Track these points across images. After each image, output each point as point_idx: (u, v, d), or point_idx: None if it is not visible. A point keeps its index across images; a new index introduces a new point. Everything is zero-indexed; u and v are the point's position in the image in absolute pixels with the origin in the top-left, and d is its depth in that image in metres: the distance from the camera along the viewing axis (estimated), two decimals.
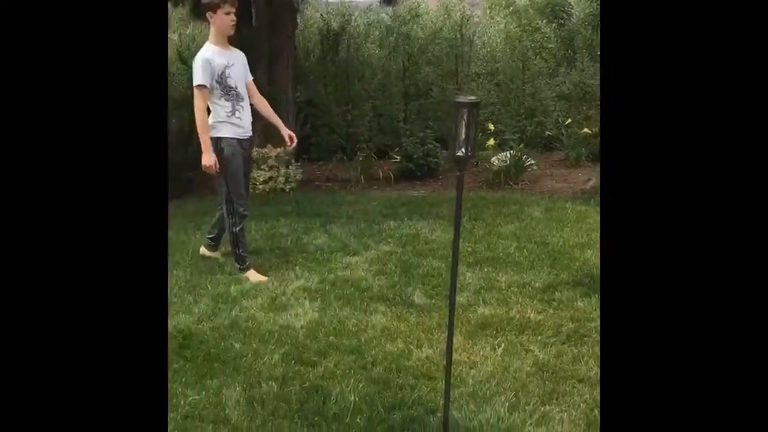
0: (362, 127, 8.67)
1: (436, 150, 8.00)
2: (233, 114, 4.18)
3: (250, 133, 4.37)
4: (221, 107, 4.16)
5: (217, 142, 4.15)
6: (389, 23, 11.93)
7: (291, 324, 3.59)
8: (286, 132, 4.51)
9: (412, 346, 3.29)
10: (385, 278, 4.28)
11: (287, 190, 7.22)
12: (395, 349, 3.26)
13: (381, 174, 7.84)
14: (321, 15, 11.10)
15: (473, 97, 2.35)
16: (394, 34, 11.09)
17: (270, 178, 7.26)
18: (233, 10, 4.16)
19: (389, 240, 5.20)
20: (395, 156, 8.16)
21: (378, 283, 4.18)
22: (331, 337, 3.41)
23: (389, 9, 11.69)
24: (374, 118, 9.04)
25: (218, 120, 4.17)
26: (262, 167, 7.29)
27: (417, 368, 3.07)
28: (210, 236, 4.79)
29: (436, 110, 9.39)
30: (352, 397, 2.81)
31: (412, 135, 8.26)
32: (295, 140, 4.56)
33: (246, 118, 4.29)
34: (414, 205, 6.40)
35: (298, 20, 9.40)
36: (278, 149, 7.49)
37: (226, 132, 4.17)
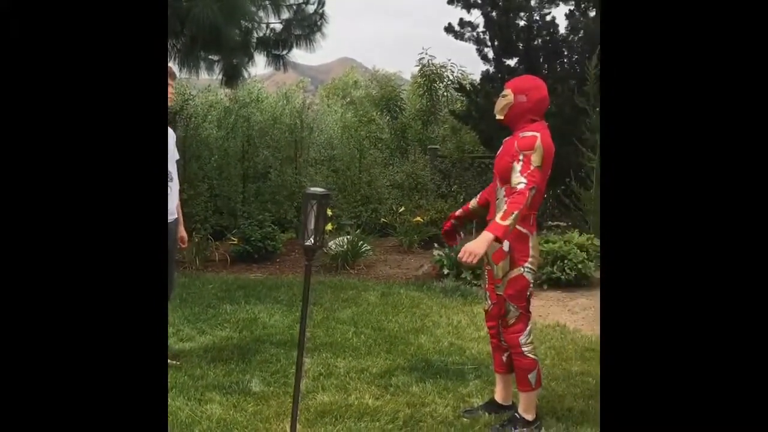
0: (198, 207, 8.51)
1: (275, 233, 8.01)
2: None
3: (175, 215, 4.09)
4: None
5: None
6: (228, 105, 11.99)
7: None
8: (181, 233, 4.26)
9: None
10: (222, 365, 4.15)
11: None
12: None
13: (217, 256, 7.68)
14: None
15: (323, 189, 2.43)
16: (234, 116, 11.14)
17: None
18: (172, 82, 3.98)
19: (225, 325, 5.07)
20: (232, 238, 8.05)
21: (214, 371, 4.04)
22: None
23: (228, 90, 11.77)
24: (211, 198, 8.93)
25: None
26: None
27: None
28: None
29: (275, 193, 9.45)
30: None
31: (250, 217, 8.23)
32: (186, 243, 4.35)
33: (172, 198, 4.02)
34: (251, 289, 6.31)
35: None
36: None
37: None
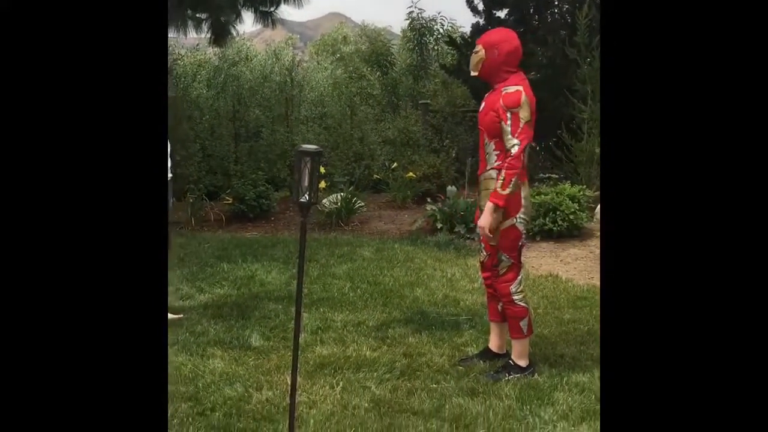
0: (191, 167, 8.52)
1: (268, 191, 8.05)
2: None
3: (171, 174, 4.25)
4: None
5: None
6: (217, 64, 11.88)
7: None
8: None
9: (251, 389, 3.28)
10: (222, 322, 4.23)
11: None
12: (234, 393, 3.24)
13: (212, 216, 7.73)
14: None
15: (315, 147, 2.47)
16: (223, 75, 11.06)
17: None
18: None
19: (224, 283, 5.15)
20: (226, 197, 8.09)
21: (214, 327, 4.13)
22: None
23: (217, 49, 11.66)
24: (203, 159, 8.92)
25: None
26: None
27: (257, 411, 3.07)
28: None
29: (267, 152, 9.45)
30: None
31: (243, 176, 8.25)
32: None
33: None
34: (247, 247, 6.38)
35: None
36: None
37: None
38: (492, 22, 9.84)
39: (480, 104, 3.52)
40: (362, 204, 8.05)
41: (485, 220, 3.29)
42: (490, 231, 3.31)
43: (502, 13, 9.93)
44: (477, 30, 10.04)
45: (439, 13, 13.70)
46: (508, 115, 3.21)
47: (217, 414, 3.03)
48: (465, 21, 11.43)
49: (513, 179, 3.20)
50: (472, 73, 3.42)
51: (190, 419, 2.97)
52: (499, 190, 3.22)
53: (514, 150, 3.19)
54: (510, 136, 3.21)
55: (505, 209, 3.31)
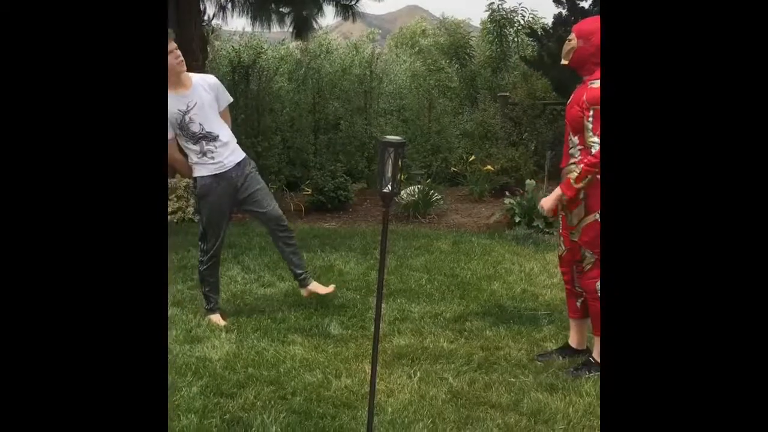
0: (272, 159, 8.71)
1: (347, 183, 8.15)
2: (204, 155, 4.03)
3: (234, 162, 4.10)
4: (191, 151, 4.03)
5: (193, 182, 4.12)
6: (299, 57, 12.08)
7: (208, 356, 3.57)
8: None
9: (331, 376, 3.35)
10: (302, 309, 4.33)
11: (196, 220, 7.12)
12: (314, 379, 3.31)
13: (292, 206, 7.89)
14: (232, 46, 11.10)
15: (399, 138, 2.49)
16: (304, 69, 11.24)
17: (179, 209, 7.16)
18: (173, 47, 3.82)
19: None
20: (306, 188, 8.23)
21: (294, 315, 4.23)
22: (249, 369, 3.42)
23: (300, 43, 11.85)
24: (284, 150, 9.10)
25: (192, 162, 4.06)
26: (170, 198, 7.19)
27: (337, 398, 3.13)
28: (296, 273, 4.39)
29: (346, 144, 9.56)
30: (274, 428, 2.83)
31: (322, 168, 8.38)
32: None
33: (221, 152, 4.04)
34: (326, 237, 6.49)
35: (208, 51, 9.39)
36: (188, 180, 7.41)
37: (199, 171, 4.05)
38: (575, 12, 9.61)
39: (568, 96, 3.46)
40: (440, 197, 8.04)
41: (549, 201, 3.36)
42: (548, 214, 3.43)
43: (585, 3, 9.68)
44: (559, 21, 9.83)
45: (520, 4, 13.48)
46: (591, 111, 3.13)
47: (298, 398, 3.11)
48: (547, 12, 11.18)
49: (588, 177, 3.16)
50: (563, 62, 3.35)
51: (272, 402, 3.07)
52: (572, 182, 3.21)
53: (594, 149, 3.12)
54: (591, 134, 3.14)
55: (586, 205, 3.25)
